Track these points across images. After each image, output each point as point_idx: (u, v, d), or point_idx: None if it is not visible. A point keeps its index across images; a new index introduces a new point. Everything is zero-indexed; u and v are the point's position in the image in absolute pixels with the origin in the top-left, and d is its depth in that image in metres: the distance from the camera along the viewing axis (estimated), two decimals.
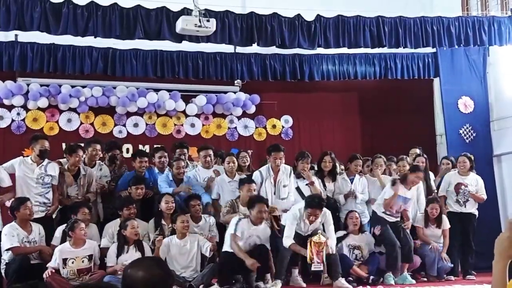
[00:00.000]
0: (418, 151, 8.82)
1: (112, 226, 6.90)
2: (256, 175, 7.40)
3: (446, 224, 7.93)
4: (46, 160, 7.05)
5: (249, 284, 6.68)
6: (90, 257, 6.41)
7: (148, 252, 6.59)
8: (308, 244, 6.73)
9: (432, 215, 7.86)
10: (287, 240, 6.85)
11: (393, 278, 7.31)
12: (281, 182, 7.37)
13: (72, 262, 6.31)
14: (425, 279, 7.79)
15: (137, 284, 2.11)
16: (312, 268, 6.78)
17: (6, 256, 6.46)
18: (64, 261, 6.29)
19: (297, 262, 7.22)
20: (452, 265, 7.89)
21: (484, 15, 9.80)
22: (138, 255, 6.33)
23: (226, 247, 6.73)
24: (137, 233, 6.60)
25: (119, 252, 6.53)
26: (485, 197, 8.30)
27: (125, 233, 6.56)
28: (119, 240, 6.61)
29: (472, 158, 8.42)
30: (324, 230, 7.01)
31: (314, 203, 6.88)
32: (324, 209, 7.01)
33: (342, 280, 6.85)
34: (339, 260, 6.99)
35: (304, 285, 7.08)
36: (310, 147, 9.69)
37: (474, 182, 8.27)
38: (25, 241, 6.53)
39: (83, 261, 6.36)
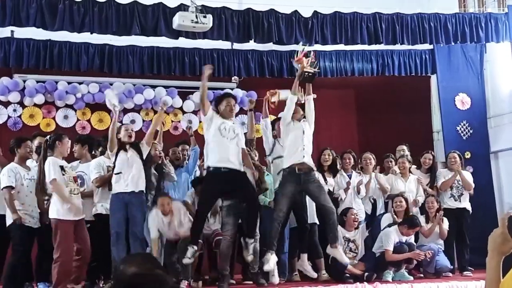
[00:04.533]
0: (405, 147, 8.81)
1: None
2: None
3: (445, 223, 7.93)
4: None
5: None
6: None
7: (144, 152, 6.68)
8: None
9: (429, 209, 7.88)
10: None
11: (391, 275, 7.32)
12: None
13: (70, 168, 6.45)
14: (422, 275, 7.80)
15: (130, 279, 2.10)
16: (306, 69, 6.92)
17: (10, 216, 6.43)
18: (62, 168, 6.28)
19: (305, 248, 7.29)
20: (452, 267, 7.90)
21: (481, 12, 9.79)
22: (134, 156, 6.53)
23: (207, 158, 6.56)
24: (130, 134, 6.67)
25: (118, 153, 6.59)
26: (473, 185, 8.29)
27: (119, 137, 6.65)
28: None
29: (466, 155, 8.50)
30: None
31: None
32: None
33: (340, 250, 6.94)
34: (337, 228, 7.00)
35: (315, 275, 7.05)
36: None
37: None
38: (26, 178, 6.53)
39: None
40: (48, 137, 6.56)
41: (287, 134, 7.03)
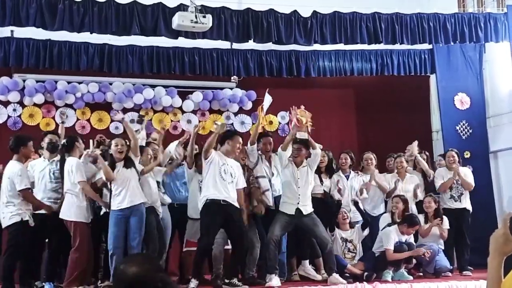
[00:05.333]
0: (416, 149, 8.80)
1: None
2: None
3: (446, 224, 7.94)
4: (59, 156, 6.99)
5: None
6: None
7: (138, 167, 6.64)
8: (294, 112, 6.92)
9: (427, 209, 7.90)
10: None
11: (391, 275, 7.33)
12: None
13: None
14: (421, 274, 7.81)
15: (131, 279, 2.12)
16: (298, 136, 6.94)
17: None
18: None
19: (306, 255, 7.37)
20: (452, 267, 7.92)
21: (480, 12, 9.80)
22: (129, 172, 6.49)
23: (205, 191, 6.57)
24: (121, 150, 6.58)
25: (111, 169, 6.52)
26: (473, 184, 8.28)
27: (111, 152, 6.63)
28: (108, 159, 6.59)
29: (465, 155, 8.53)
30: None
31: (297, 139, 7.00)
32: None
33: (336, 276, 6.88)
34: (334, 257, 7.03)
35: (320, 277, 7.08)
36: None
37: (463, 175, 8.28)
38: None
39: None
40: (65, 140, 6.73)
41: (283, 175, 7.09)
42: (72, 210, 6.43)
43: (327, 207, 7.72)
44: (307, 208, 6.96)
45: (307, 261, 7.37)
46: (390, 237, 7.42)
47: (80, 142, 6.77)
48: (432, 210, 7.92)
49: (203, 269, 6.97)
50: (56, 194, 6.76)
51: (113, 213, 6.46)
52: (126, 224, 6.47)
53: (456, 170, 8.16)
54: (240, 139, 6.78)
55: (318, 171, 7.85)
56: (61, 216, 6.48)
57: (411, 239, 7.66)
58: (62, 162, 6.61)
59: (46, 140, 6.93)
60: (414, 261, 7.63)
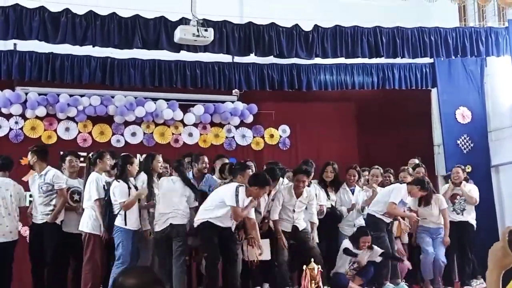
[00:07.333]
0: (417, 161, 8.84)
1: None
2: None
3: (443, 203, 7.89)
4: (46, 169, 6.97)
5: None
6: None
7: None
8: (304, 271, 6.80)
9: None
10: (274, 214, 7.17)
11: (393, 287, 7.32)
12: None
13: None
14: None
15: None
16: None
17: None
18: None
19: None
20: (446, 262, 7.84)
21: (481, 26, 9.83)
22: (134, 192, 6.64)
23: (204, 215, 6.69)
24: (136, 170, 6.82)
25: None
26: (477, 198, 8.27)
27: (130, 168, 6.70)
28: (122, 174, 6.64)
29: (467, 169, 8.52)
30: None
31: (300, 169, 7.26)
32: (310, 188, 7.33)
33: None
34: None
35: None
36: (307, 157, 9.68)
37: (467, 190, 8.29)
38: None
39: None
40: (91, 154, 7.05)
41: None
42: (89, 223, 6.62)
43: (333, 221, 7.79)
44: (301, 222, 7.29)
45: None
46: (400, 193, 7.44)
47: (104, 159, 6.87)
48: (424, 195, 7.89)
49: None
50: (46, 208, 6.86)
51: (129, 230, 6.52)
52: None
53: (462, 187, 8.23)
54: (267, 189, 6.85)
55: (325, 185, 7.87)
56: (80, 228, 6.70)
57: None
58: (87, 176, 6.84)
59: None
60: (406, 266, 7.66)
